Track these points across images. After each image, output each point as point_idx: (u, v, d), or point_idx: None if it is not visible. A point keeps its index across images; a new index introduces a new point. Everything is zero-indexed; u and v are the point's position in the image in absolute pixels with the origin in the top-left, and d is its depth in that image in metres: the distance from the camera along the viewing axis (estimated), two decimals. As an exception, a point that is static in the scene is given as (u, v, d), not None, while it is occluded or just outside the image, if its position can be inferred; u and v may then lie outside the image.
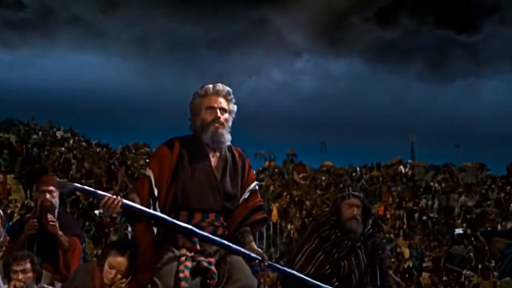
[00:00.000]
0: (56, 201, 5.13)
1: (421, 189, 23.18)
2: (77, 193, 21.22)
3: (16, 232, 5.08)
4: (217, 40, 48.69)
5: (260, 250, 3.78)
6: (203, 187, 3.72)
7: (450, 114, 45.34)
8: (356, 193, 4.88)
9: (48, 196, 5.10)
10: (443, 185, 22.95)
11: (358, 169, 27.28)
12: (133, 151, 29.14)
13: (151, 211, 3.63)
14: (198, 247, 3.65)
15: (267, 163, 28.78)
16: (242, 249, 3.70)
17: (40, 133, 29.96)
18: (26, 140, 26.17)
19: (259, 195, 3.95)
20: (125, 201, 3.56)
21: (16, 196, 20.60)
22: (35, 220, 5.02)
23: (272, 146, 30.10)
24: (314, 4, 44.44)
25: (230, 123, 3.84)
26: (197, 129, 3.81)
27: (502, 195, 20.93)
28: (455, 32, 43.82)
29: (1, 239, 4.89)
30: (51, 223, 4.96)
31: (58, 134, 31.15)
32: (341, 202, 4.70)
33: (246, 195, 3.85)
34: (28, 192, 20.43)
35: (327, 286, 4.28)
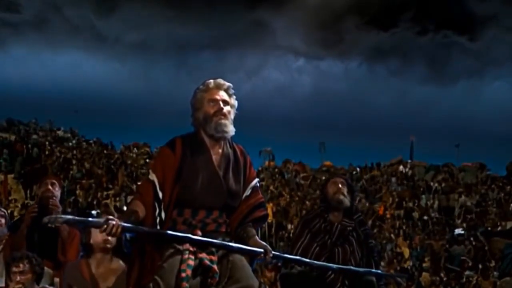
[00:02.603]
0: (57, 194, 5.18)
1: (421, 189, 23.18)
2: (77, 193, 21.27)
3: (17, 228, 5.10)
4: (215, 41, 48.69)
5: (263, 242, 3.78)
6: (207, 185, 3.73)
7: (450, 114, 45.34)
8: (339, 175, 5.15)
9: (50, 187, 5.18)
10: (443, 185, 22.91)
11: (358, 169, 27.28)
12: (135, 149, 29.11)
13: (148, 229, 3.62)
14: None
15: (266, 163, 28.75)
16: (244, 247, 3.71)
17: (40, 133, 29.97)
18: (26, 140, 26.19)
19: (260, 192, 3.97)
20: (124, 224, 3.50)
21: (16, 196, 20.62)
22: (34, 203, 5.05)
23: (272, 146, 30.00)
24: (313, 6, 44.48)
25: (232, 116, 3.85)
26: (200, 122, 3.81)
27: (502, 195, 20.92)
28: (456, 35, 43.85)
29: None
30: (54, 206, 5.02)
31: (58, 134, 31.18)
32: (326, 184, 5.00)
33: (248, 192, 3.87)
34: (28, 192, 20.46)
35: (332, 264, 4.44)
